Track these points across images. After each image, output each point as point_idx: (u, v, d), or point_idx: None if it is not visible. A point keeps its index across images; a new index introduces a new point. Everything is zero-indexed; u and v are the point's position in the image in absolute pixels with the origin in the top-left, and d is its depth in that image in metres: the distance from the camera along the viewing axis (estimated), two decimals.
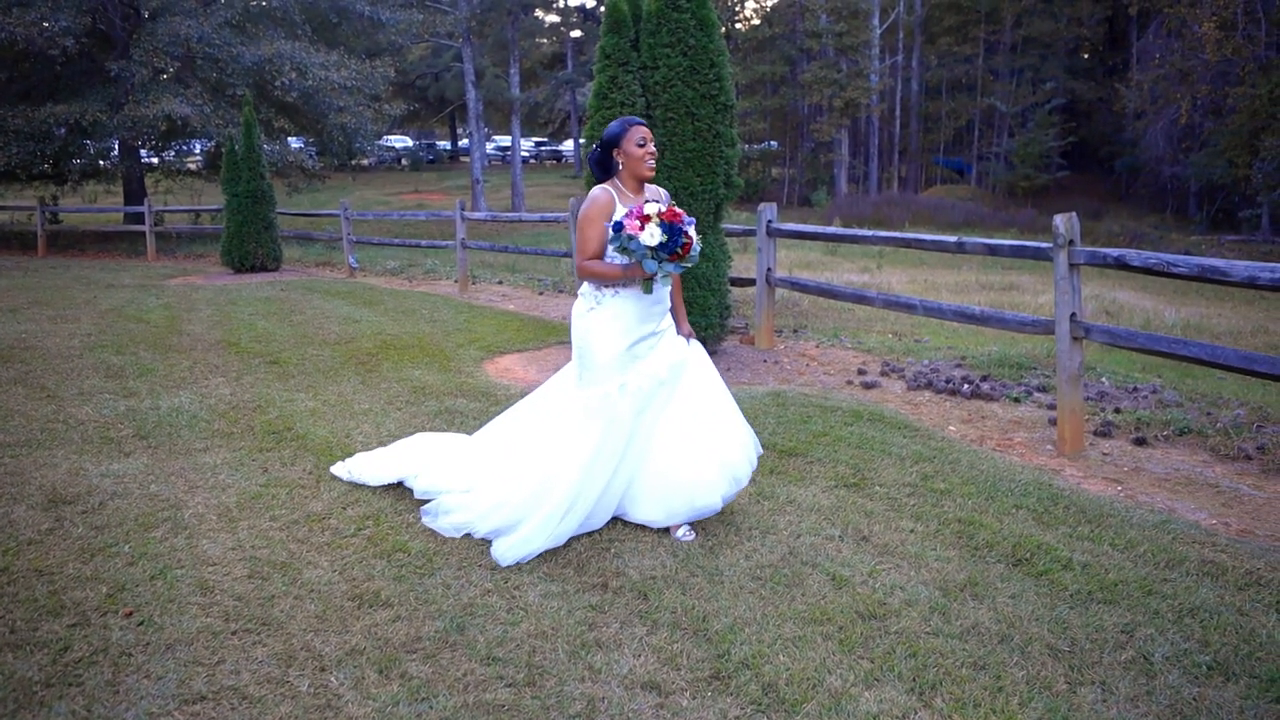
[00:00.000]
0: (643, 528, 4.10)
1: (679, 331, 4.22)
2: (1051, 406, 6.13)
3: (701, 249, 5.15)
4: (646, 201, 3.81)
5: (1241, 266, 4.46)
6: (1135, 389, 6.67)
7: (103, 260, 18.45)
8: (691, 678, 2.96)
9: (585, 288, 4.08)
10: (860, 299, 7.51)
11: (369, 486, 4.66)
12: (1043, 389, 6.68)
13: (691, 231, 3.76)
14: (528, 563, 3.79)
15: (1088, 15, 40.93)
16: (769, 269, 8.16)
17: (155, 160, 24.25)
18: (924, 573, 3.70)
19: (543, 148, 60.24)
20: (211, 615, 3.34)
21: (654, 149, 3.99)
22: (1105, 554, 3.87)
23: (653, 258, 3.73)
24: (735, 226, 8.73)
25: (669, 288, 4.13)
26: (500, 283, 13.68)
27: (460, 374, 7.30)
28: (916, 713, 2.77)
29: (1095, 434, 5.70)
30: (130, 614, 3.34)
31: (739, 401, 4.35)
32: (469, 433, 5.62)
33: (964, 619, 3.31)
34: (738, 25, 45.04)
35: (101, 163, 22.06)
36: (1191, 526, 4.20)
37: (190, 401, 6.41)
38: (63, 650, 3.11)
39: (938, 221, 29.98)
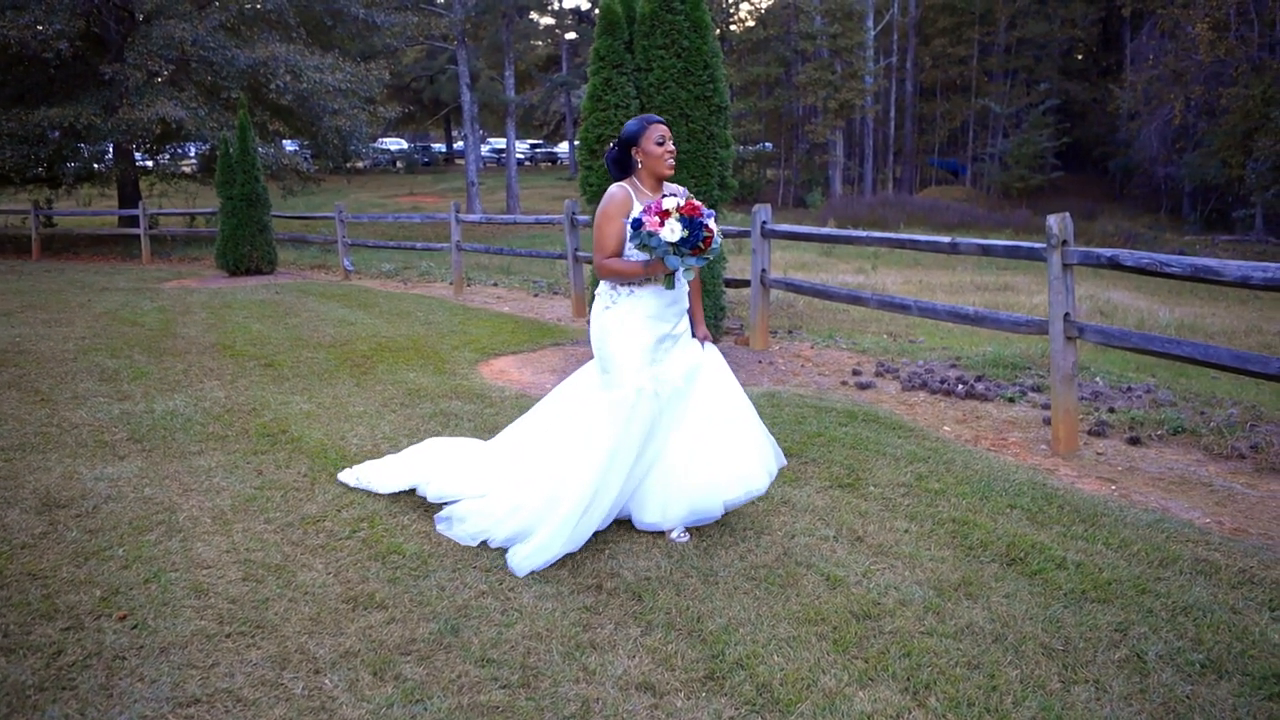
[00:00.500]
0: (636, 529, 4.09)
1: (695, 334, 4.17)
2: (1046, 406, 6.14)
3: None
4: (664, 196, 3.77)
5: (1234, 266, 4.47)
6: (1129, 389, 6.69)
7: (97, 263, 18.42)
8: (686, 678, 2.96)
9: (602, 287, 4.02)
10: (855, 300, 7.52)
11: (378, 494, 4.58)
12: (1037, 389, 6.70)
13: (712, 224, 3.70)
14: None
15: (1081, 16, 41.08)
16: (764, 270, 8.17)
17: (150, 163, 24.18)
18: (918, 572, 3.70)
19: (538, 150, 60.32)
20: (206, 618, 3.34)
21: (673, 147, 3.93)
22: (1099, 553, 3.87)
23: (675, 253, 3.68)
24: (730, 228, 8.74)
25: (688, 286, 4.09)
26: (495, 285, 13.68)
27: (455, 376, 7.30)
28: (910, 712, 2.77)
29: (1089, 433, 5.71)
30: (124, 617, 3.34)
31: None
32: (466, 436, 5.62)
33: (958, 618, 3.32)
34: (732, 27, 45.12)
35: (96, 166, 22.00)
36: (1185, 525, 4.21)
37: (185, 405, 6.40)
38: (56, 654, 3.10)
39: (933, 222, 30.04)
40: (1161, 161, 33.82)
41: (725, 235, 8.34)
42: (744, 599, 3.48)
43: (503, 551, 3.87)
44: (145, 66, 19.47)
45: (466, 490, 4.29)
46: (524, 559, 3.73)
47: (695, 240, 3.66)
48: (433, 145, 62.45)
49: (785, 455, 5.12)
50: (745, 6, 48.99)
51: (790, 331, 9.36)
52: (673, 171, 3.96)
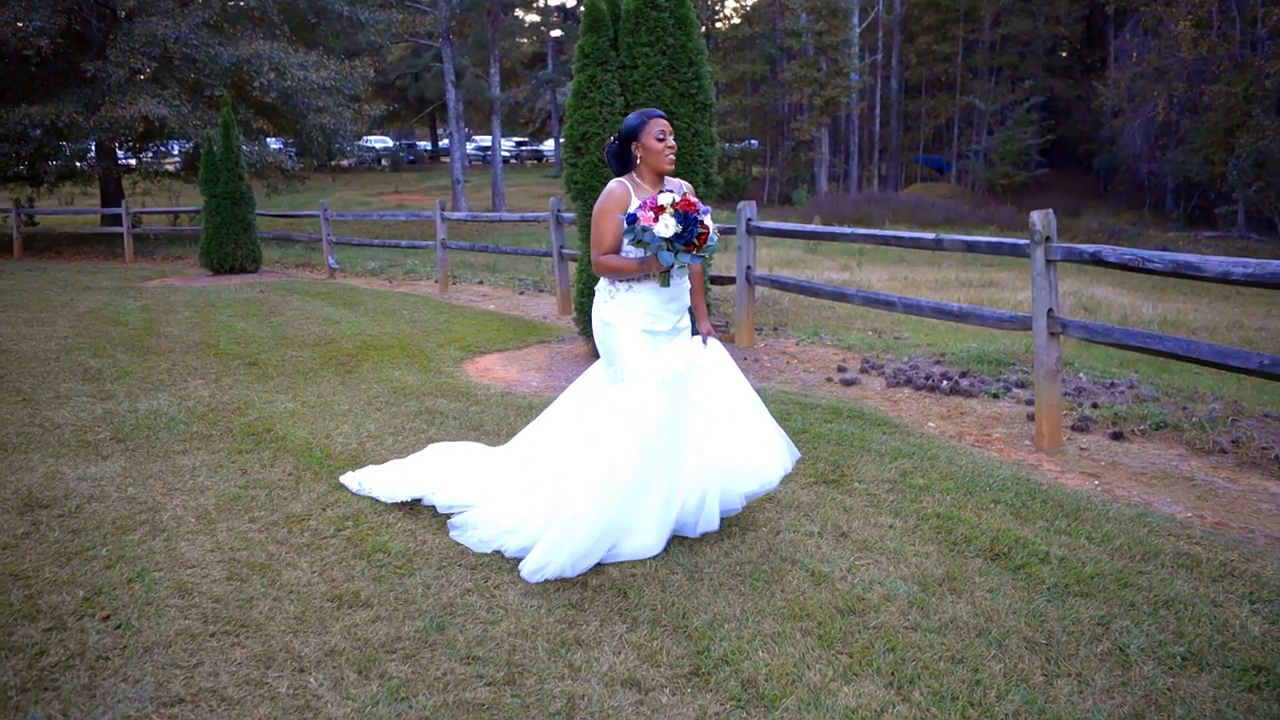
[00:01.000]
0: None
1: (698, 330, 4.08)
2: (1029, 402, 6.17)
3: None
4: (661, 191, 3.71)
5: (1215, 262, 4.51)
6: (1112, 384, 6.73)
7: (79, 262, 18.30)
8: (671, 674, 2.96)
9: (601, 284, 3.97)
10: (840, 296, 7.53)
11: (381, 502, 4.45)
12: (1021, 385, 6.73)
13: (708, 220, 3.65)
14: (508, 562, 3.77)
15: (1065, 14, 41.26)
16: (749, 267, 8.18)
17: (133, 161, 24.05)
18: (902, 568, 3.72)
19: (523, 147, 60.19)
20: (190, 618, 3.33)
21: (674, 142, 3.87)
22: (1082, 547, 3.90)
23: (668, 249, 3.62)
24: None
25: (687, 284, 4.02)
26: (481, 283, 13.66)
27: (441, 374, 7.29)
28: (895, 707, 2.79)
29: (1073, 429, 5.74)
30: (107, 617, 3.32)
31: None
32: (451, 433, 5.62)
33: (942, 613, 3.33)
34: (717, 24, 45.18)
35: (78, 164, 21.87)
36: (1167, 520, 4.24)
37: (168, 404, 6.37)
38: (39, 654, 3.08)
39: (918, 219, 30.15)
40: (1145, 158, 34.04)
41: None
42: (729, 595, 3.49)
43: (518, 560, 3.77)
44: (127, 64, 19.36)
45: (475, 498, 4.22)
46: (536, 569, 3.62)
47: (690, 236, 3.61)
48: (418, 143, 62.30)
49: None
50: (730, 3, 49.09)
51: (775, 328, 9.37)
52: (673, 167, 3.90)
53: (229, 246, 15.07)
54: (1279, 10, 26.03)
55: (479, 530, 3.98)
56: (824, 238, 8.47)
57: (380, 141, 54.92)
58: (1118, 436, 5.59)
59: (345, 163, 39.60)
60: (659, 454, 3.72)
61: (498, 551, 3.86)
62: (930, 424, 5.92)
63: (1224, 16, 28.15)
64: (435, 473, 4.52)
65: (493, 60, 37.51)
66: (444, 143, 57.96)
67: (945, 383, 6.74)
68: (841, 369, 7.39)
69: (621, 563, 3.74)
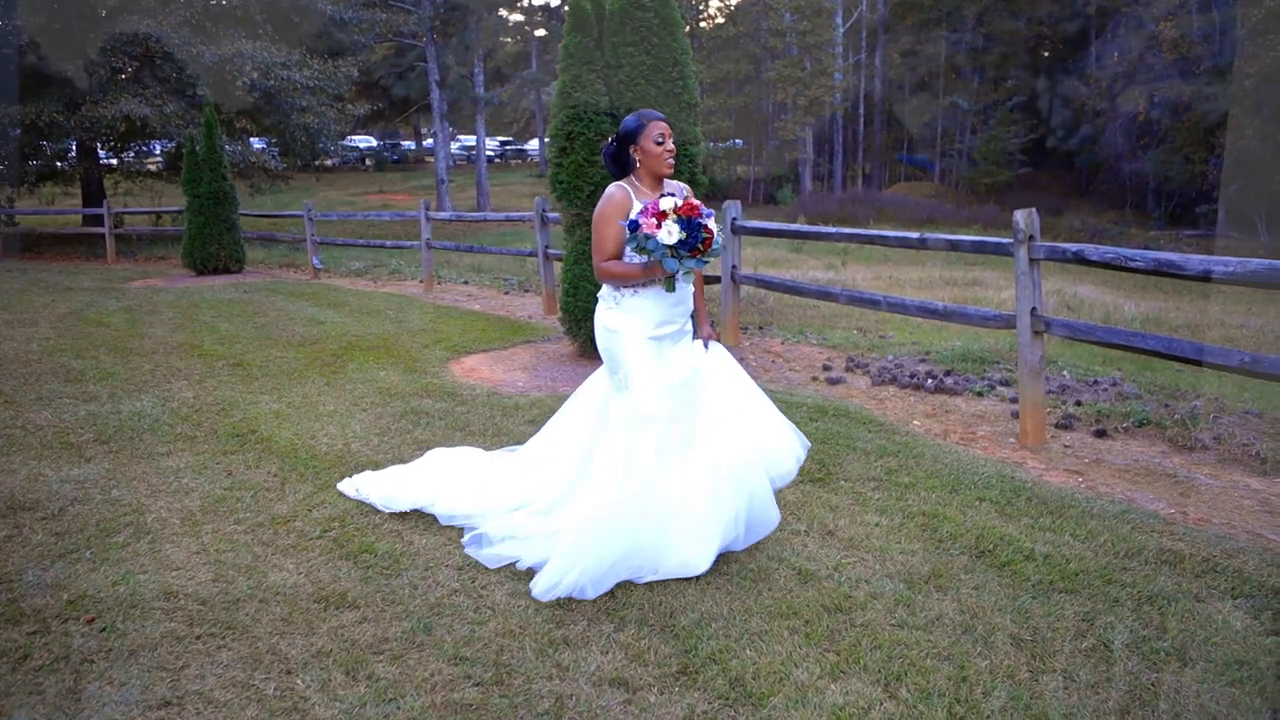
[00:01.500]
0: None
1: (699, 334, 4.00)
2: (1014, 400, 6.20)
3: None
4: (663, 196, 3.64)
5: (1196, 261, 4.54)
6: (1096, 382, 6.77)
7: (61, 263, 18.16)
8: (659, 673, 2.97)
9: (604, 290, 3.87)
10: (825, 295, 7.55)
11: (380, 510, 4.38)
12: (1005, 383, 6.76)
13: (711, 224, 3.56)
14: (494, 563, 3.77)
15: (1048, 14, 41.44)
16: (734, 266, 8.20)
17: (114, 161, 23.85)
18: (889, 565, 3.74)
19: (508, 147, 60.04)
20: (175, 620, 3.31)
21: (673, 145, 3.77)
22: (1066, 544, 3.92)
23: (673, 256, 3.53)
24: None
25: (691, 286, 3.94)
26: (466, 283, 13.62)
27: (426, 374, 7.27)
28: (882, 704, 2.80)
29: (1057, 426, 5.77)
30: (92, 620, 3.30)
31: None
32: (437, 433, 5.60)
33: (928, 611, 3.35)
34: (702, 24, 45.20)
35: (59, 164, 21.68)
36: (1150, 516, 4.27)
37: (152, 405, 6.33)
38: (23, 658, 3.06)
39: (902, 218, 30.23)
40: (1127, 158, 34.23)
41: None
42: (716, 594, 3.49)
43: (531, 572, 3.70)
44: (109, 63, 19.20)
45: (477, 508, 4.15)
46: (548, 588, 3.51)
47: (694, 242, 3.52)
48: (402, 143, 62.02)
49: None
50: (715, 3, 49.11)
51: (761, 328, 9.39)
52: (672, 170, 3.80)
53: (212, 247, 14.98)
54: (1258, 11, 26.25)
55: (495, 547, 3.87)
56: (809, 237, 8.49)
57: (364, 141, 54.69)
58: (1101, 434, 5.62)
59: (329, 162, 39.48)
60: (669, 463, 3.65)
61: (512, 565, 3.78)
62: (915, 422, 5.95)
63: (1205, 17, 28.38)
64: (435, 482, 4.45)
65: (477, 60, 37.46)
66: (428, 142, 57.73)
67: (930, 381, 6.77)
68: (827, 368, 7.41)
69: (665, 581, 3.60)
